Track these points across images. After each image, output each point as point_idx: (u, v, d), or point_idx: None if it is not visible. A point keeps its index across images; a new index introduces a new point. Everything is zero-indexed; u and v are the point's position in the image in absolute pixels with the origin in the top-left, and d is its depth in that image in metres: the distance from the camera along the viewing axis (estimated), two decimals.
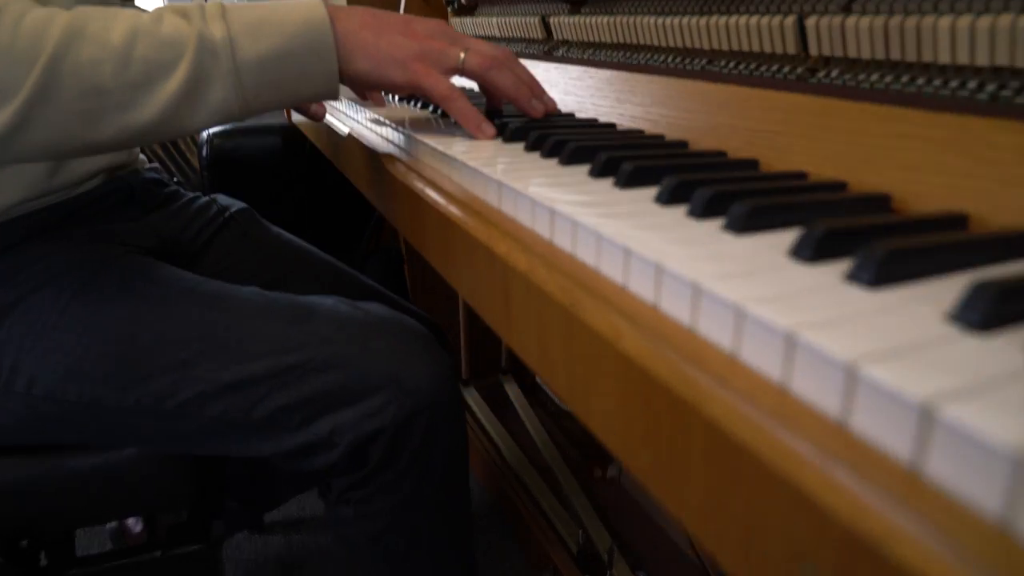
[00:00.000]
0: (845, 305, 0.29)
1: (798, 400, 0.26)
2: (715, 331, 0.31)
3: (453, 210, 0.54)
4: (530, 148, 0.60)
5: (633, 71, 0.69)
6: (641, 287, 0.35)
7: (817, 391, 0.25)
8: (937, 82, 0.55)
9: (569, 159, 0.54)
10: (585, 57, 0.96)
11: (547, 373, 0.41)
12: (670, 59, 0.81)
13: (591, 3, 1.01)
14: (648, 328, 0.33)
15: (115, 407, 0.70)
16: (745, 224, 0.38)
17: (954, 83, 0.54)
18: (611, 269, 0.38)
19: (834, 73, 0.63)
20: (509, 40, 1.19)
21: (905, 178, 0.43)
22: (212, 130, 1.52)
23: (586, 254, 0.40)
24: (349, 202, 1.55)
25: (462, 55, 0.67)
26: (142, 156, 1.01)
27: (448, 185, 0.58)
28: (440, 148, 0.62)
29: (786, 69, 0.68)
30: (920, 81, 0.56)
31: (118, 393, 0.70)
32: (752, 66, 0.71)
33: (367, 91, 0.80)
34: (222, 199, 1.05)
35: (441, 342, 1.00)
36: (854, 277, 0.31)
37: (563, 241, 0.43)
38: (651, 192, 0.46)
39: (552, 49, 1.05)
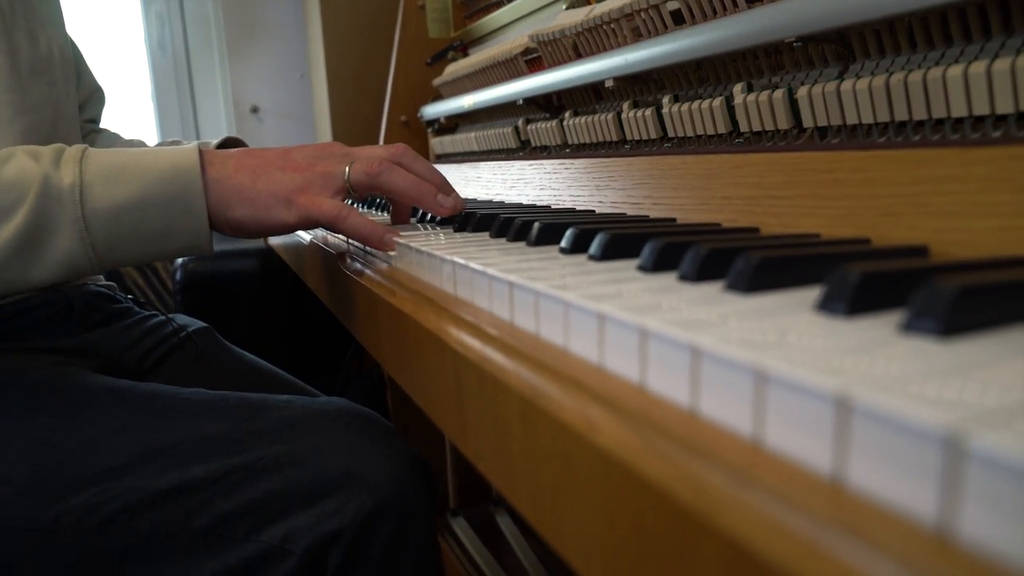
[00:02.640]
0: (908, 361, 0.20)
1: (862, 498, 0.17)
2: (727, 409, 0.22)
3: (403, 300, 0.46)
4: (496, 235, 0.53)
5: (611, 156, 0.62)
6: (621, 362, 0.27)
7: (893, 482, 0.16)
8: (954, 138, 0.49)
9: (538, 239, 0.47)
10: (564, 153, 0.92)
11: (507, 484, 0.31)
12: (655, 149, 0.76)
13: (568, 108, 0.98)
14: (633, 414, 0.24)
15: (26, 528, 0.59)
16: (753, 281, 0.29)
17: (974, 136, 0.47)
18: (582, 344, 0.29)
19: (833, 143, 0.57)
20: (487, 153, 1.16)
21: (941, 227, 0.35)
22: None
23: (552, 330, 0.31)
24: (328, 327, 1.47)
25: (347, 169, 0.61)
26: None
27: (400, 276, 0.51)
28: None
29: (780, 145, 0.62)
30: (935, 138, 0.50)
31: (30, 512, 0.59)
32: (742, 144, 0.65)
33: (258, 237, 0.70)
34: (180, 318, 0.97)
35: (426, 471, 0.90)
36: (914, 328, 0.23)
37: (525, 319, 0.34)
38: (633, 263, 0.38)
39: (529, 155, 1.01)
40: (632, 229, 0.42)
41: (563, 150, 0.94)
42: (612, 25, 0.82)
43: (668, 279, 0.33)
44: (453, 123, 1.34)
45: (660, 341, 0.24)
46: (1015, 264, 0.29)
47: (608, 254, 0.39)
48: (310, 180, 0.62)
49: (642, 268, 0.36)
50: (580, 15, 0.91)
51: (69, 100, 0.79)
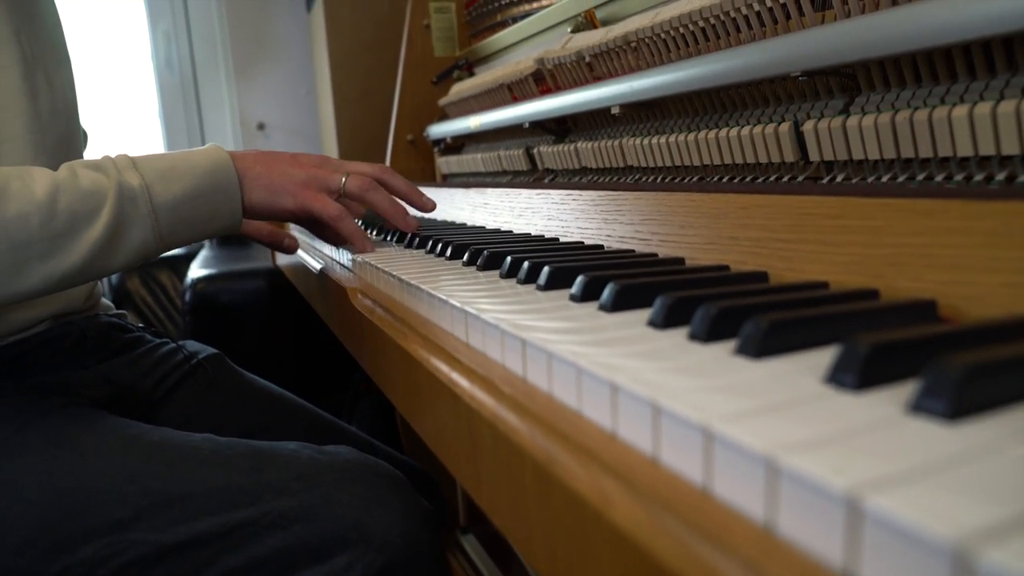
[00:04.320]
0: (916, 450, 0.20)
1: None
2: (738, 493, 0.22)
3: (415, 344, 0.46)
4: (506, 275, 0.53)
5: (619, 190, 0.63)
6: (634, 434, 0.27)
7: None
8: (959, 177, 0.49)
9: (548, 284, 0.47)
10: (571, 183, 0.92)
11: (524, 546, 0.32)
12: (660, 179, 0.77)
13: (575, 131, 0.99)
14: (646, 491, 0.24)
15: None
16: (763, 346, 0.30)
17: (979, 176, 0.48)
18: (596, 411, 0.30)
19: (839, 177, 0.58)
20: (495, 175, 1.16)
21: (949, 280, 0.35)
22: (195, 275, 1.48)
23: (565, 393, 0.32)
24: (337, 346, 1.47)
25: (343, 180, 0.74)
26: (104, 300, 0.95)
27: (412, 317, 0.51)
28: (402, 276, 0.55)
29: (786, 179, 0.62)
30: (939, 178, 0.50)
31: (39, 564, 0.60)
32: (748, 178, 0.66)
33: (264, 219, 0.81)
34: (192, 345, 0.98)
35: (430, 488, 0.90)
36: (921, 408, 0.23)
37: (538, 377, 0.34)
38: (643, 315, 0.38)
39: (537, 180, 1.01)
40: (642, 277, 0.43)
41: (572, 176, 0.94)
42: (619, 51, 0.83)
43: (678, 336, 0.34)
44: (459, 143, 1.35)
45: (673, 420, 0.25)
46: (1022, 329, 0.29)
47: (619, 305, 0.40)
48: (313, 178, 0.74)
49: (653, 324, 0.36)
50: (586, 40, 0.92)
51: (77, 140, 0.81)
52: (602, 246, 0.61)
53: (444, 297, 0.47)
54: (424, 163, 1.45)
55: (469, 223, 0.91)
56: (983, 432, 0.22)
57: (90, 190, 0.62)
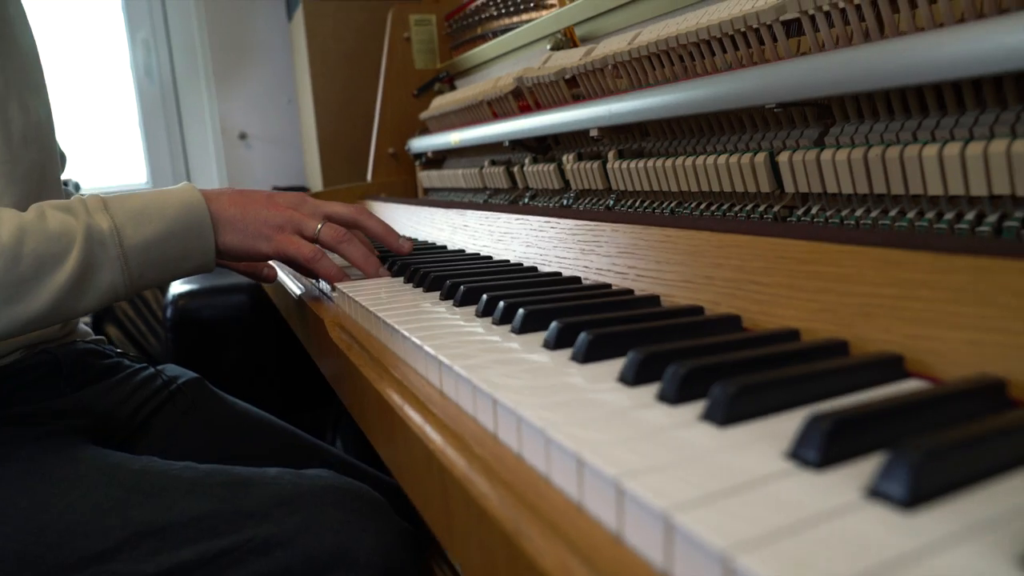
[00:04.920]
0: (873, 547, 0.21)
1: None
2: None
3: (389, 389, 0.46)
4: (482, 314, 0.53)
5: (597, 220, 0.63)
6: (600, 508, 0.27)
7: None
8: (930, 215, 0.49)
9: (522, 327, 0.47)
10: (551, 204, 0.92)
11: None
12: (638, 203, 0.77)
13: (556, 148, 0.99)
14: (608, 572, 0.24)
15: None
16: (729, 413, 0.30)
17: (949, 215, 0.48)
18: (563, 480, 0.30)
19: (814, 209, 0.58)
20: (476, 191, 1.16)
21: (916, 334, 0.35)
22: (176, 290, 1.47)
23: (534, 457, 0.32)
24: None
25: (319, 227, 0.74)
26: (82, 326, 0.94)
27: (388, 357, 0.51)
28: (380, 313, 0.55)
29: (762, 208, 0.62)
30: (911, 215, 0.51)
31: None
32: (726, 206, 0.66)
33: (238, 260, 0.79)
34: (171, 369, 0.97)
35: (411, 506, 0.91)
36: (880, 493, 0.23)
37: (508, 438, 0.34)
38: (616, 367, 0.38)
39: (518, 198, 1.01)
40: (615, 325, 0.43)
41: (552, 195, 0.94)
42: (598, 72, 0.83)
43: (648, 395, 0.34)
44: (441, 156, 1.35)
45: (636, 503, 0.25)
46: (987, 396, 0.30)
47: (591, 356, 0.40)
48: (288, 220, 0.73)
49: (624, 380, 0.36)
50: (564, 59, 0.92)
51: (53, 163, 0.80)
52: (579, 279, 0.61)
53: (418, 342, 0.47)
54: (406, 176, 1.44)
55: (449, 245, 0.90)
56: (942, 521, 0.22)
57: (58, 233, 0.61)
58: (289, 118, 2.10)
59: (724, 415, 0.30)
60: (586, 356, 0.40)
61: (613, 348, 0.40)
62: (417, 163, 1.39)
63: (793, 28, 0.62)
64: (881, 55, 0.49)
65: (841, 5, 0.53)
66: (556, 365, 0.40)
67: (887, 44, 0.49)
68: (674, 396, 0.33)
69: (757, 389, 0.31)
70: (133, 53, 2.14)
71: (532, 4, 1.14)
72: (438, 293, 0.62)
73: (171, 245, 0.67)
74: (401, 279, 0.72)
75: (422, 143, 1.32)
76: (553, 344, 0.43)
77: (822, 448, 0.26)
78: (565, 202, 0.89)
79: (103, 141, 2.19)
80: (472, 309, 0.55)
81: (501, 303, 0.51)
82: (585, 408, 0.33)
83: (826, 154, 0.55)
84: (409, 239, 0.79)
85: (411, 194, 1.44)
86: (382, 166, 1.47)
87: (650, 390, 0.35)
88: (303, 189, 2.00)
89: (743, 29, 0.62)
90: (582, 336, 0.41)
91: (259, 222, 0.72)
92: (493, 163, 1.09)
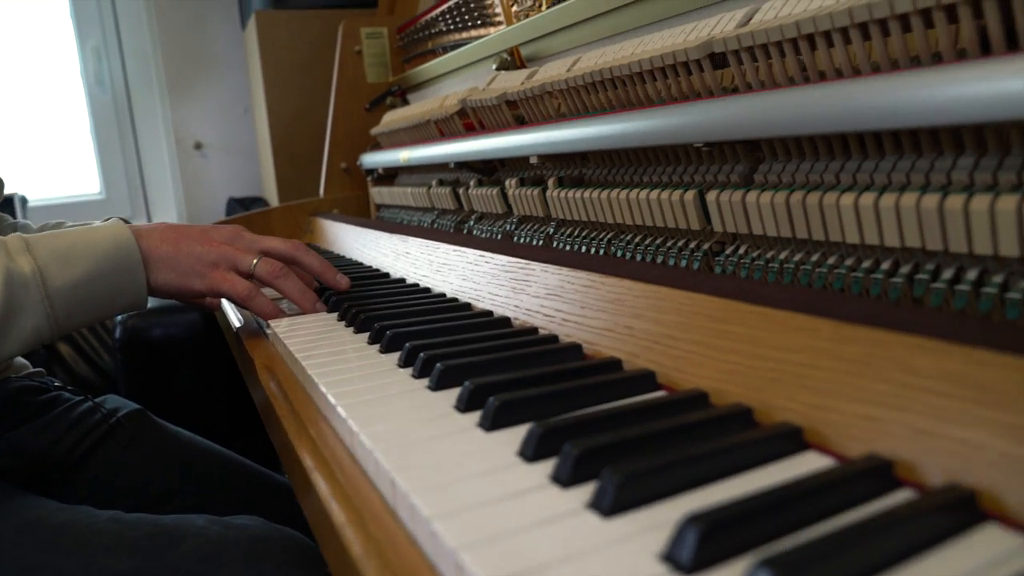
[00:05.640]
0: None
1: None
2: None
3: (305, 455, 0.45)
4: (403, 364, 0.53)
5: (528, 258, 0.62)
6: None
7: None
8: (849, 261, 0.49)
9: (439, 384, 0.47)
10: (496, 228, 0.91)
11: None
12: (577, 232, 0.76)
13: (502, 170, 0.98)
14: None
15: None
16: (616, 501, 0.29)
17: (867, 263, 0.48)
18: (449, 573, 0.29)
19: (742, 249, 0.58)
20: (424, 210, 1.15)
21: (818, 404, 0.35)
22: None
23: (427, 544, 0.31)
24: None
25: (255, 262, 0.72)
26: (22, 360, 0.92)
27: (309, 411, 0.50)
28: (305, 365, 0.54)
29: (693, 245, 0.62)
30: (831, 260, 0.50)
31: None
32: (659, 241, 0.65)
33: (172, 299, 0.78)
34: (112, 401, 0.95)
35: None
36: None
37: (405, 516, 0.34)
38: (519, 436, 0.37)
39: (463, 220, 1.00)
40: (528, 387, 0.42)
41: (496, 219, 0.94)
42: (538, 98, 0.82)
43: (542, 475, 0.33)
44: (393, 172, 1.33)
45: None
46: (873, 480, 0.29)
47: (498, 423, 0.39)
48: (223, 257, 0.72)
49: (523, 455, 0.35)
50: (507, 82, 0.91)
51: None
52: (509, 320, 0.61)
53: (333, 401, 0.46)
54: (359, 190, 1.43)
55: (393, 272, 0.89)
56: None
57: None
58: (246, 128, 2.07)
59: (610, 505, 0.29)
60: (493, 423, 0.39)
61: (520, 414, 0.40)
62: (369, 179, 1.37)
63: (720, 59, 0.62)
64: (804, 101, 0.49)
65: (762, 41, 0.53)
66: (463, 436, 0.39)
67: (809, 90, 0.49)
68: (567, 478, 0.32)
69: (647, 475, 0.30)
70: (83, 61, 2.09)
71: (479, 21, 1.13)
72: (367, 335, 0.61)
73: (100, 285, 0.66)
74: (336, 315, 0.71)
75: (373, 159, 1.30)
76: (464, 406, 0.43)
77: (699, 551, 0.25)
78: (509, 227, 0.88)
79: (54, 152, 2.15)
80: (396, 356, 0.54)
81: (421, 355, 0.50)
82: (477, 491, 0.32)
83: (751, 196, 0.54)
84: (346, 277, 0.78)
85: (364, 210, 1.42)
86: (334, 181, 1.45)
87: (547, 468, 0.34)
88: (261, 200, 1.97)
89: (673, 64, 0.61)
90: (490, 402, 0.40)
91: (192, 259, 0.71)
92: (441, 183, 1.07)
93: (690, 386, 0.42)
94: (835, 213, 0.48)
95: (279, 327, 0.68)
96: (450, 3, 1.21)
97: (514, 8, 1.06)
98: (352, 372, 0.52)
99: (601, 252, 0.71)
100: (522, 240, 0.85)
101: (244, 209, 1.90)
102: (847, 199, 0.47)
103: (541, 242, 0.81)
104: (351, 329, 0.65)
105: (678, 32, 0.64)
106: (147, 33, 2.03)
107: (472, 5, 1.14)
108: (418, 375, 0.50)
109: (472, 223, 0.97)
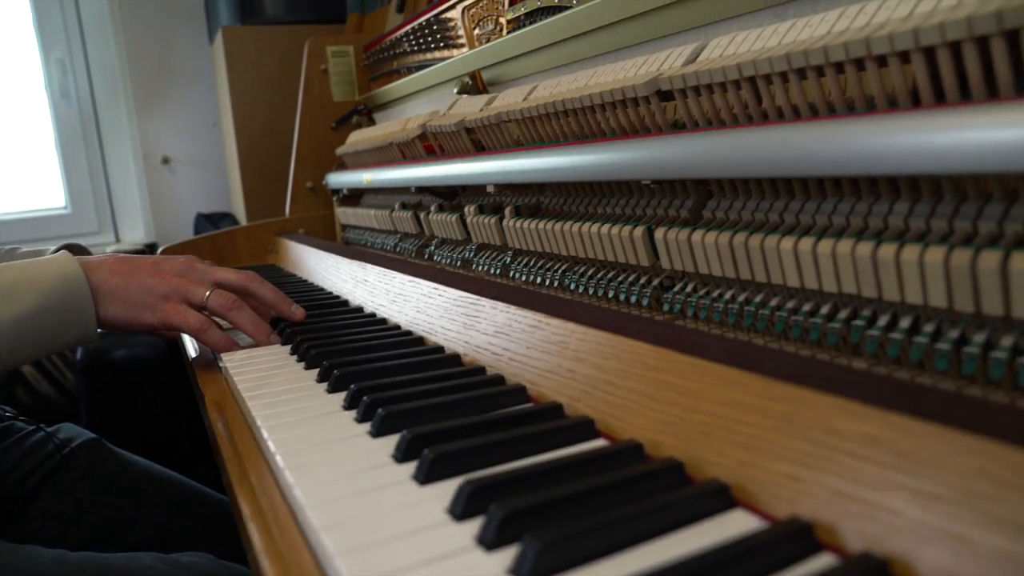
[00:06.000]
0: None
1: None
2: None
3: (245, 503, 0.44)
4: (347, 407, 0.52)
5: (478, 293, 0.62)
6: None
7: None
8: (791, 304, 0.50)
9: (379, 430, 0.46)
10: (455, 255, 0.91)
11: None
12: (533, 261, 0.76)
13: (463, 196, 0.98)
14: None
15: None
16: (538, 567, 0.29)
17: (807, 307, 0.48)
18: None
19: (689, 287, 0.58)
20: (388, 233, 1.14)
21: (746, 461, 0.35)
22: None
23: None
24: None
25: (207, 294, 0.72)
26: None
27: (252, 457, 0.49)
28: (252, 408, 0.53)
29: (642, 280, 0.62)
30: (773, 302, 0.51)
31: None
32: (611, 275, 0.66)
33: (123, 332, 0.77)
34: (67, 430, 0.94)
35: None
36: None
37: None
38: (452, 487, 0.37)
39: (424, 245, 1.00)
40: (466, 437, 0.42)
41: (456, 245, 0.93)
42: (496, 126, 0.82)
43: (468, 536, 0.33)
44: (359, 192, 1.33)
45: None
46: (792, 545, 0.30)
47: (431, 477, 0.39)
48: (175, 289, 0.71)
49: (452, 513, 0.35)
50: (466, 107, 0.91)
51: None
52: (459, 358, 0.61)
53: (273, 449, 0.46)
54: (325, 210, 1.42)
55: (352, 300, 0.89)
56: None
57: None
58: (214, 142, 2.05)
59: (530, 572, 0.29)
60: (427, 477, 0.39)
61: (454, 467, 0.40)
62: (335, 198, 1.37)
63: (668, 94, 0.62)
64: (743, 144, 0.49)
65: (706, 82, 0.53)
66: (397, 487, 0.39)
67: (749, 133, 0.49)
68: (492, 541, 0.32)
69: (569, 540, 0.30)
70: (48, 74, 2.06)
71: (442, 43, 1.13)
72: (317, 372, 0.61)
73: (46, 320, 0.64)
74: (289, 348, 0.70)
75: (338, 179, 1.30)
76: (401, 456, 0.42)
77: None
78: (468, 254, 0.88)
79: (18, 166, 2.11)
80: (342, 398, 0.54)
81: (364, 399, 0.50)
82: (402, 554, 0.32)
83: (697, 235, 0.55)
84: (301, 308, 0.77)
85: (330, 230, 1.41)
86: (300, 200, 1.44)
87: (474, 528, 0.34)
88: (229, 216, 1.95)
89: (622, 99, 0.62)
90: (424, 454, 0.40)
91: (143, 292, 0.70)
92: (404, 206, 1.07)
93: (627, 435, 0.42)
94: (776, 256, 0.49)
95: (231, 361, 0.68)
96: (414, 24, 1.21)
97: (476, 31, 1.06)
98: (296, 414, 0.52)
99: (555, 283, 0.71)
100: (481, 268, 0.85)
101: (212, 225, 1.88)
102: (787, 243, 0.48)
103: (498, 271, 0.81)
104: (302, 364, 0.65)
105: (629, 65, 0.65)
106: (113, 46, 2.01)
107: (436, 27, 1.14)
108: (361, 419, 0.49)
109: (433, 248, 0.97)
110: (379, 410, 0.47)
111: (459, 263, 0.90)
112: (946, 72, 0.39)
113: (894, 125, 0.40)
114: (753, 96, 0.51)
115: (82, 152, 2.09)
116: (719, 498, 0.34)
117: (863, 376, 0.34)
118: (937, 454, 0.28)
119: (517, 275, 0.78)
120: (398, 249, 1.08)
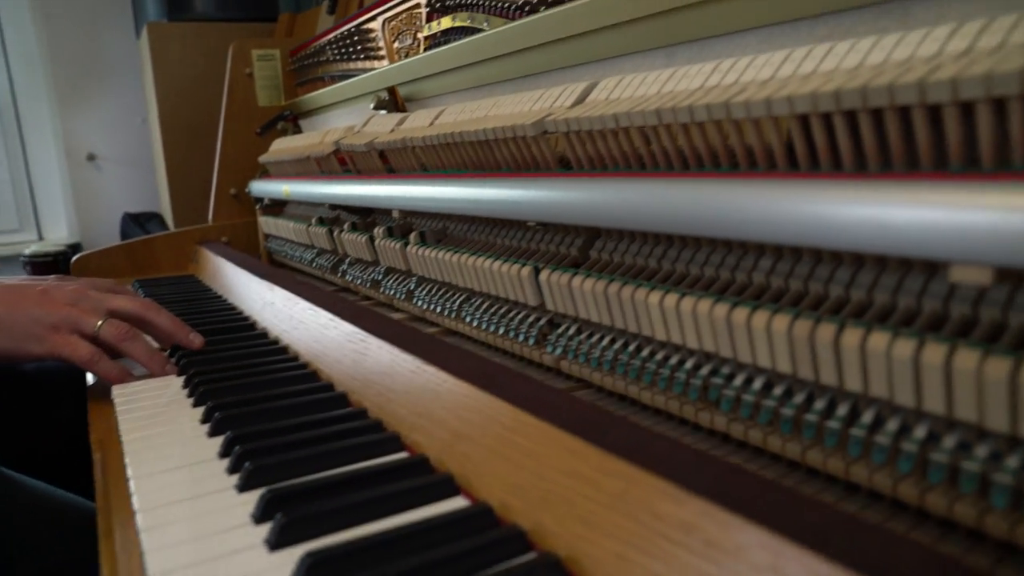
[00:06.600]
0: None
1: None
2: None
3: (103, 569, 0.43)
4: (221, 455, 0.52)
5: (368, 330, 0.62)
6: None
7: None
8: (660, 355, 0.50)
9: (245, 484, 0.46)
10: (366, 275, 0.91)
11: None
12: (435, 289, 0.76)
13: (376, 215, 0.97)
14: None
15: None
16: None
17: (674, 359, 0.49)
18: None
19: (571, 330, 0.58)
20: (307, 246, 1.13)
21: (581, 533, 0.36)
22: None
23: None
24: None
25: (99, 323, 0.69)
26: None
27: (122, 511, 0.48)
28: (126, 446, 0.53)
29: (531, 318, 0.63)
30: (644, 353, 0.52)
31: None
32: (503, 310, 0.66)
33: (8, 363, 0.75)
34: None
35: None
36: None
37: None
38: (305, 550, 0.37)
39: (339, 263, 0.99)
40: (329, 495, 0.42)
41: (366, 266, 0.93)
42: (402, 151, 0.82)
43: None
44: (282, 202, 1.31)
45: None
46: None
47: (282, 542, 0.39)
48: (64, 319, 0.69)
49: None
50: (377, 127, 0.90)
51: None
52: (345, 398, 0.60)
53: (135, 506, 0.45)
54: (250, 217, 1.39)
55: (259, 321, 0.88)
56: None
57: None
58: (143, 139, 2.00)
59: None
60: (276, 543, 0.39)
61: (307, 532, 0.39)
62: (258, 207, 1.34)
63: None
64: (625, 195, 0.50)
65: (587, 128, 0.54)
66: (249, 552, 0.39)
67: (630, 184, 0.50)
68: None
69: None
70: None
71: (363, 55, 1.12)
72: (201, 410, 0.60)
73: None
74: (180, 381, 0.69)
75: (260, 187, 1.28)
76: (259, 517, 0.42)
77: None
78: (377, 275, 0.88)
79: None
80: (220, 443, 0.53)
81: (237, 448, 0.49)
82: None
83: (576, 280, 0.55)
84: (200, 335, 0.76)
85: (254, 239, 1.39)
86: (224, 206, 1.41)
87: None
88: (157, 216, 1.91)
89: (512, 136, 0.62)
90: (277, 518, 0.40)
91: (30, 321, 0.68)
92: (321, 221, 1.06)
93: (485, 494, 0.42)
94: (645, 309, 0.49)
95: (121, 396, 0.66)
96: (338, 32, 1.19)
97: (396, 44, 1.05)
98: (171, 461, 0.51)
99: (453, 314, 0.71)
100: (388, 291, 0.84)
101: (139, 225, 1.83)
102: (654, 297, 0.48)
103: (404, 296, 0.81)
104: (191, 401, 0.64)
105: (527, 99, 0.65)
106: (34, 38, 1.94)
107: (357, 37, 1.13)
108: (231, 470, 0.49)
109: (346, 267, 0.96)
110: (246, 464, 0.47)
111: (369, 284, 0.90)
112: (819, 134, 0.40)
113: (758, 190, 0.41)
114: (630, 144, 0.52)
115: (1, 150, 2.02)
116: (552, 572, 0.35)
117: (690, 457, 0.35)
118: (737, 546, 0.29)
119: (420, 302, 0.78)
120: (315, 264, 1.07)
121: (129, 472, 0.50)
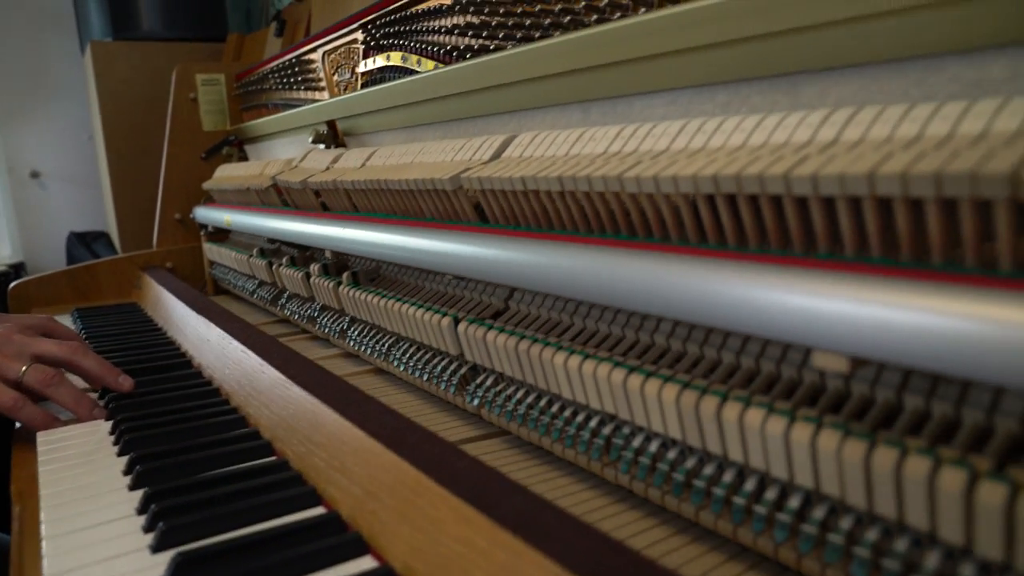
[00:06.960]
0: None
1: None
2: None
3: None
4: (139, 511, 0.52)
5: (289, 376, 0.63)
6: None
7: None
8: (568, 412, 0.52)
9: (159, 545, 0.47)
10: (303, 310, 0.91)
11: None
12: (366, 330, 0.77)
13: (314, 249, 0.98)
14: None
15: None
16: None
17: (580, 417, 0.51)
18: None
19: (488, 381, 0.60)
20: (249, 277, 1.13)
21: None
22: None
23: None
24: None
25: (24, 369, 0.69)
26: None
27: (31, 568, 0.49)
28: (42, 499, 0.53)
29: (452, 367, 0.64)
30: (554, 408, 0.53)
31: None
32: (427, 356, 0.67)
33: None
34: None
35: None
36: None
37: None
38: None
39: (278, 296, 1.00)
40: (241, 557, 0.43)
41: (304, 301, 0.94)
42: (335, 191, 0.83)
43: None
44: (226, 229, 1.30)
45: None
46: None
47: None
48: None
49: None
50: (313, 163, 0.91)
51: None
52: (268, 447, 0.61)
53: (45, 571, 0.45)
54: (195, 242, 1.39)
55: (195, 357, 0.88)
56: None
57: None
58: (89, 157, 1.97)
59: None
60: None
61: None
62: (202, 233, 1.34)
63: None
64: (534, 258, 0.51)
65: (499, 188, 0.55)
66: None
67: (538, 247, 0.51)
68: None
69: None
70: None
71: (303, 86, 1.12)
72: (125, 460, 0.60)
73: None
74: (108, 427, 0.69)
75: (204, 214, 1.27)
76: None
77: None
78: (313, 312, 0.88)
79: None
80: (139, 497, 0.54)
81: (153, 507, 0.50)
82: None
83: (491, 335, 0.57)
84: (129, 378, 0.76)
85: (199, 265, 1.38)
86: (169, 231, 1.40)
87: None
88: (104, 235, 1.88)
89: (432, 188, 0.63)
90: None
91: None
92: (262, 253, 1.06)
93: (390, 555, 0.44)
94: (551, 367, 0.51)
95: (45, 444, 0.66)
96: (280, 61, 1.19)
97: (335, 78, 1.06)
98: (87, 518, 0.52)
99: (382, 356, 0.72)
100: (323, 329, 0.85)
101: (85, 245, 1.81)
102: (559, 358, 0.50)
103: (337, 334, 0.82)
104: (117, 448, 0.64)
105: (449, 148, 0.67)
106: None
107: (298, 68, 1.13)
108: (147, 529, 0.50)
109: (285, 300, 0.97)
110: (160, 524, 0.47)
111: (305, 319, 0.90)
112: (747, 210, 0.41)
113: (642, 263, 0.43)
114: (539, 204, 0.54)
115: None
116: None
117: (573, 531, 0.36)
118: None
119: (352, 343, 0.79)
120: (255, 296, 1.07)
121: (43, 531, 0.50)
